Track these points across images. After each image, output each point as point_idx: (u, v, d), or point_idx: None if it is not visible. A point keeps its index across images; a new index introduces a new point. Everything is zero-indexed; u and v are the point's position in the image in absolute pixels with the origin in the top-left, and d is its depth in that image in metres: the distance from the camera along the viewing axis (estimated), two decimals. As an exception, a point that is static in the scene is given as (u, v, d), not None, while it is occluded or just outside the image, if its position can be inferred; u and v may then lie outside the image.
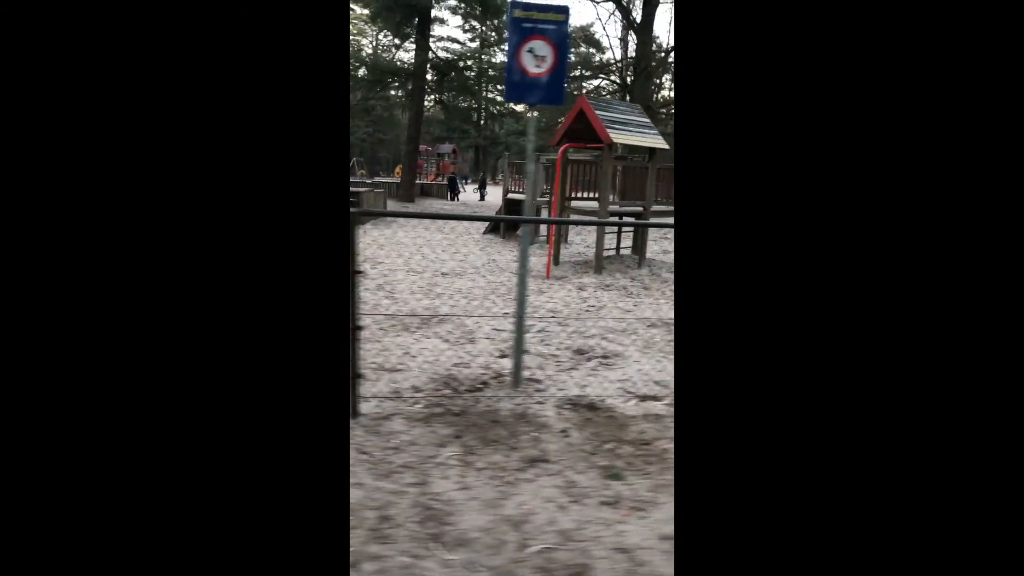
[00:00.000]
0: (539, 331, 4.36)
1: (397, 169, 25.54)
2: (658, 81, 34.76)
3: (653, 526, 1.96)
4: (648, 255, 8.73)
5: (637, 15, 19.02)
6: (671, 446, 2.57)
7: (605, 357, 3.82)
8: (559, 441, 2.57)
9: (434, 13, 30.33)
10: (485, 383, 3.23)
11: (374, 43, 34.54)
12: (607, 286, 6.38)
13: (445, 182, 23.25)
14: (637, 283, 6.64)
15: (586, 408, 2.94)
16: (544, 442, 2.55)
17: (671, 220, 7.87)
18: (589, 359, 3.78)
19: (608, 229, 8.34)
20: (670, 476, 2.31)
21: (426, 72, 19.31)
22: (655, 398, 3.12)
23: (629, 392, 3.19)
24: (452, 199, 21.66)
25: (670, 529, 1.94)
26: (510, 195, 10.00)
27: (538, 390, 3.16)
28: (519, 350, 3.18)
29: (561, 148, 6.94)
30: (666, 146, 7.02)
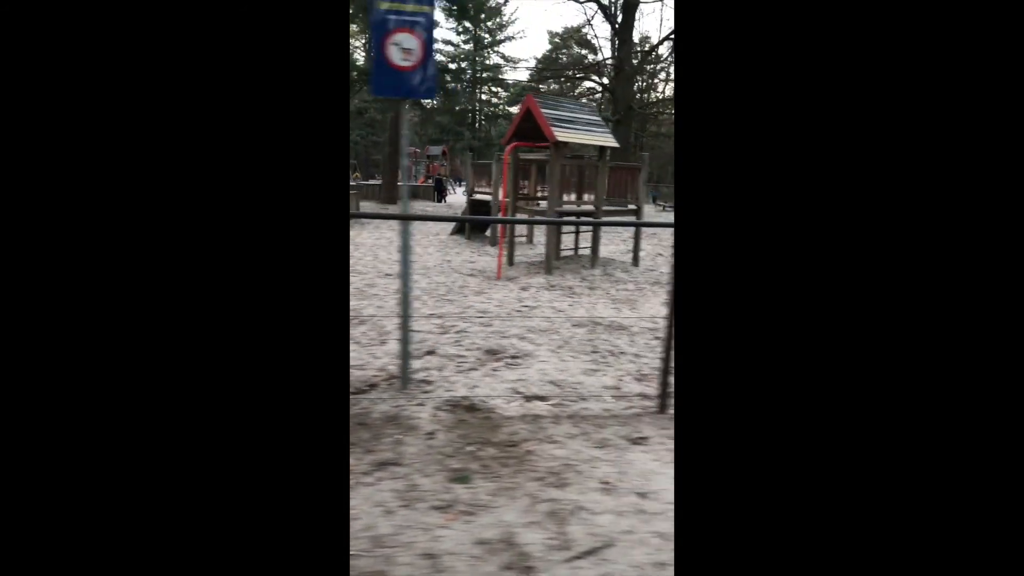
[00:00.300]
0: (458, 332, 4.30)
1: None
2: (651, 82, 34.74)
3: (475, 531, 1.89)
4: (609, 255, 8.68)
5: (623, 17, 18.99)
6: (538, 447, 2.51)
7: (514, 357, 3.75)
8: (421, 443, 2.51)
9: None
10: (373, 385, 3.16)
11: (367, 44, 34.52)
12: (552, 286, 6.31)
13: (432, 184, 23.19)
14: (585, 283, 6.57)
15: (465, 409, 2.87)
16: (405, 445, 2.49)
17: (623, 219, 7.83)
18: (498, 359, 3.71)
19: (565, 229, 8.28)
20: (520, 478, 2.24)
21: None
22: (542, 398, 3.05)
23: (519, 393, 3.12)
24: (439, 201, 21.58)
25: (490, 534, 1.87)
26: (474, 196, 9.94)
27: (425, 392, 3.10)
28: (405, 352, 3.12)
29: (508, 147, 6.88)
30: (615, 144, 6.96)
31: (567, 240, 8.62)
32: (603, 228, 8.12)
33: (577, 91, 29.58)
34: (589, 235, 8.47)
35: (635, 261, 7.82)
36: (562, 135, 6.39)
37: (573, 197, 7.86)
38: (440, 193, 22.10)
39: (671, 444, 2.57)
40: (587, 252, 8.34)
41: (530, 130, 6.80)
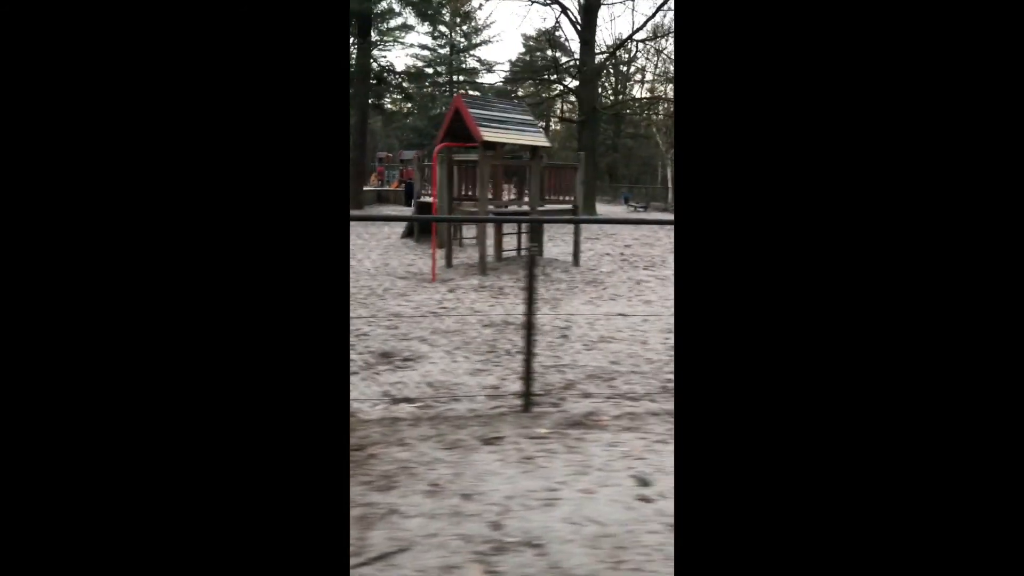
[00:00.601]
0: (359, 336, 4.23)
1: (372, 178, 25.51)
2: (625, 84, 34.90)
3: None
4: (555, 255, 8.66)
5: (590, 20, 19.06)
6: (383, 451, 2.45)
7: (406, 360, 3.69)
8: (262, 449, 2.43)
9: (402, 20, 30.39)
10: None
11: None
12: (483, 287, 6.27)
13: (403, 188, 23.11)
14: (518, 284, 6.53)
15: (324, 413, 2.81)
16: (244, 451, 2.41)
17: (561, 217, 7.77)
18: (389, 362, 3.65)
19: (507, 229, 8.25)
20: (349, 483, 2.18)
21: (369, 78, 19.17)
22: (411, 400, 3.00)
23: (388, 395, 3.07)
24: (410, 204, 21.46)
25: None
26: (422, 198, 9.87)
27: (293, 396, 3.03)
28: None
29: (437, 148, 6.84)
30: (546, 143, 6.94)
31: (513, 241, 8.58)
32: (546, 227, 8.09)
33: (554, 93, 29.69)
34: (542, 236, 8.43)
35: (576, 261, 7.81)
36: (490, 135, 6.36)
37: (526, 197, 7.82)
38: (410, 197, 21.98)
39: (524, 444, 2.53)
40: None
41: (460, 130, 6.77)
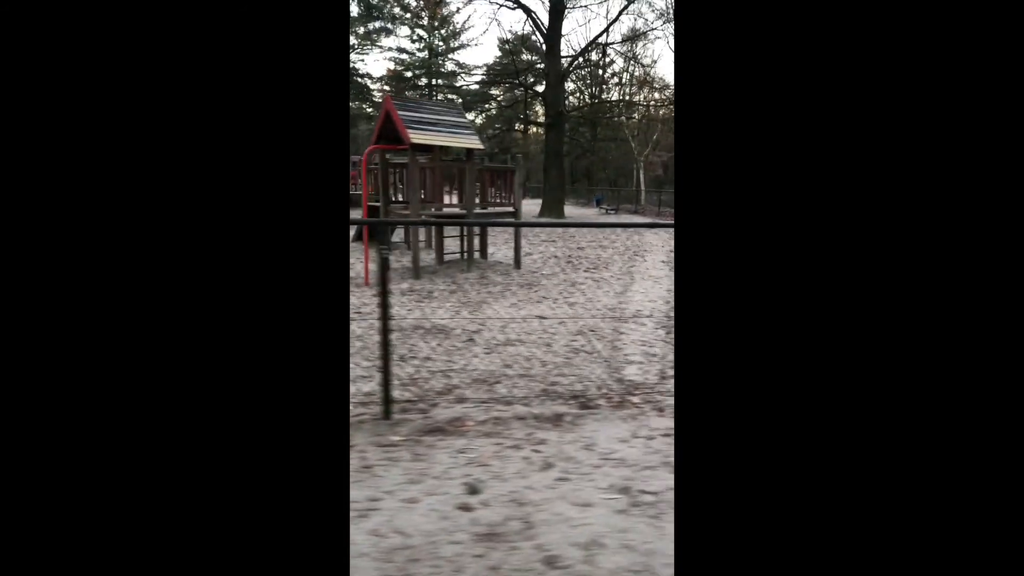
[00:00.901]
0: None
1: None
2: (602, 87, 35.02)
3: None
4: (497, 258, 8.60)
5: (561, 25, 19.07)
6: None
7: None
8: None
9: (380, 24, 30.21)
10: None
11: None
12: (412, 291, 6.19)
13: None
14: (450, 287, 6.47)
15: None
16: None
17: (499, 220, 7.68)
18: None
19: (449, 232, 8.19)
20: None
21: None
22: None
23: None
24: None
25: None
26: (371, 203, 9.76)
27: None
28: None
29: (367, 150, 6.76)
30: (480, 146, 6.89)
31: (458, 244, 8.51)
32: (490, 230, 8.03)
33: (528, 98, 29.71)
34: (478, 237, 8.37)
35: (517, 263, 7.75)
36: (418, 137, 6.29)
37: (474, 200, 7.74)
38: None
39: (370, 452, 2.46)
40: (478, 255, 8.24)
41: (392, 133, 6.69)
